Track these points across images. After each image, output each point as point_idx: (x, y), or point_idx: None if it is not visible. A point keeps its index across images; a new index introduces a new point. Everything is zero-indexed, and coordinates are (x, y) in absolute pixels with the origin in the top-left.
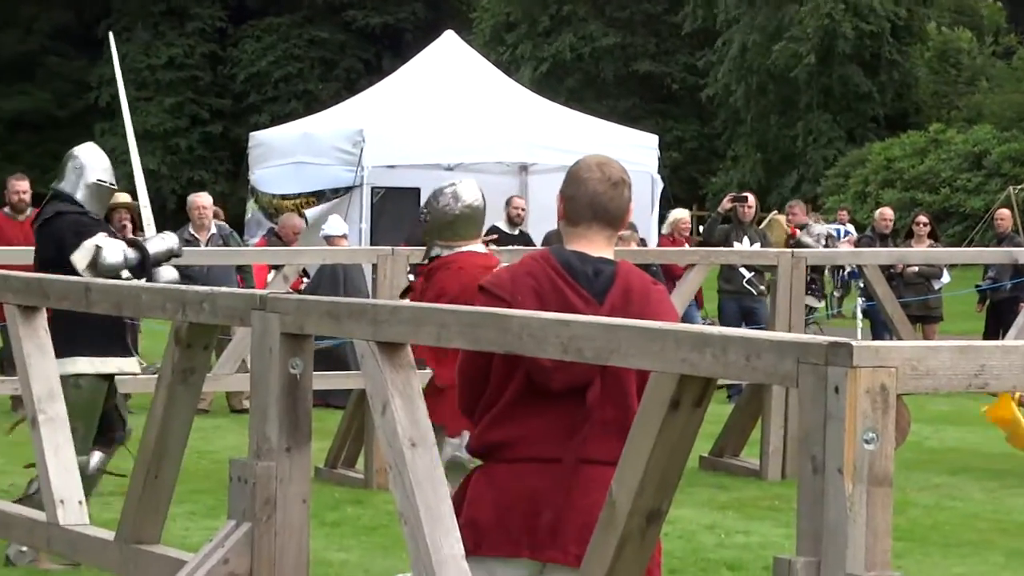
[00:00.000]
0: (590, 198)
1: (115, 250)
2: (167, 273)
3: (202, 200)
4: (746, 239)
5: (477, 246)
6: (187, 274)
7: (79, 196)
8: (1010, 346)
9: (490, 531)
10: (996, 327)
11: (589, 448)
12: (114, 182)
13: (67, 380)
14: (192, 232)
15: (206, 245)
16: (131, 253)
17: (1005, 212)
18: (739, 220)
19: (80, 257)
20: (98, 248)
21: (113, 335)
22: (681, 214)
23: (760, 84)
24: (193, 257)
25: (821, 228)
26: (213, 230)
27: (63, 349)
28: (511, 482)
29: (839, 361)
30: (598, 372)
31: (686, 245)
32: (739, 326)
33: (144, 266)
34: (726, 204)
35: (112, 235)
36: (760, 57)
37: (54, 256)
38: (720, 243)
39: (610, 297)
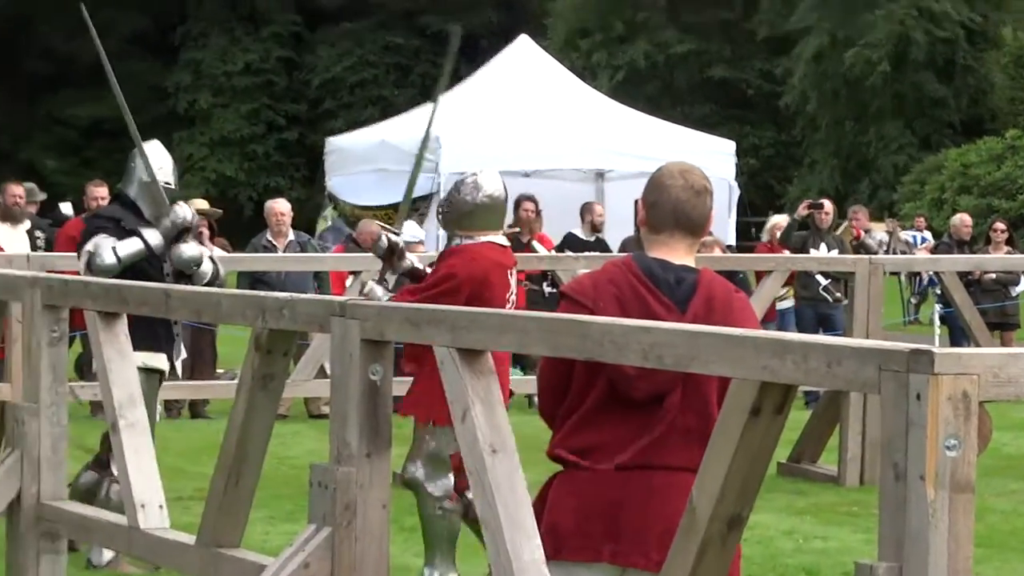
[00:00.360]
0: (673, 205)
1: (106, 251)
2: (188, 250)
3: (280, 207)
4: (823, 246)
5: (497, 237)
6: (264, 280)
7: (133, 195)
8: None
9: (571, 536)
10: None
11: (670, 455)
12: (170, 182)
13: None
14: (270, 239)
15: (284, 252)
16: (126, 248)
17: None
18: (816, 227)
19: (81, 264)
20: (90, 254)
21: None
22: (779, 219)
23: (834, 90)
24: (271, 263)
25: (881, 235)
26: (291, 236)
27: None
28: (592, 488)
29: (921, 368)
30: (680, 380)
31: (784, 251)
32: (815, 332)
33: (152, 252)
34: (802, 211)
35: (124, 234)
36: (834, 64)
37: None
38: (797, 249)
39: (693, 305)
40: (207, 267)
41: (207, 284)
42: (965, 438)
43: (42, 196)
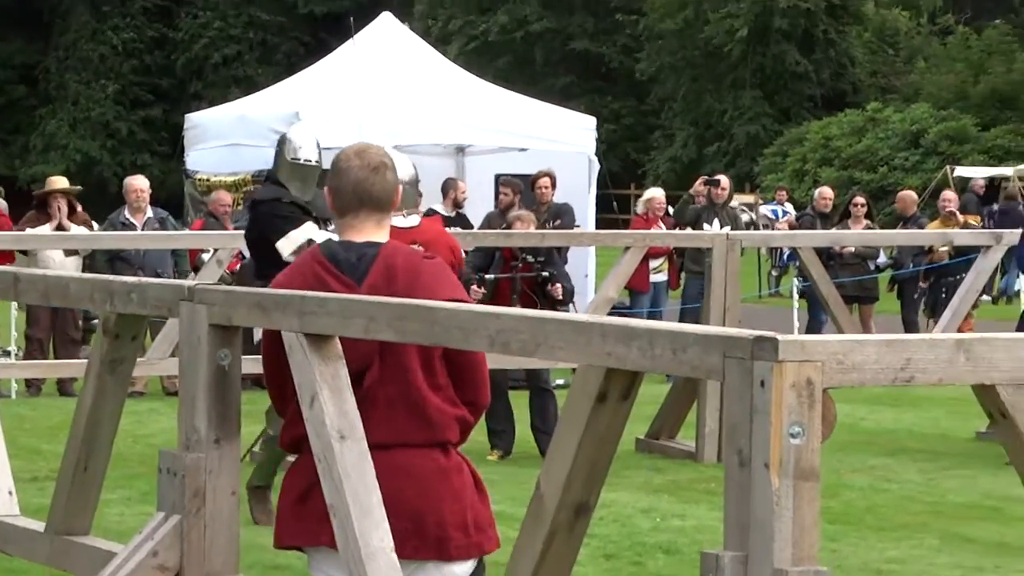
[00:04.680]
0: (353, 186)
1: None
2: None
3: (138, 183)
4: (716, 221)
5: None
6: (122, 257)
7: (281, 176)
8: (936, 339)
9: (290, 521)
10: (909, 305)
11: (377, 432)
12: (318, 159)
13: None
14: (128, 216)
15: (142, 228)
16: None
17: (903, 194)
18: (711, 202)
19: (285, 246)
20: (310, 241)
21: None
22: (655, 193)
23: (692, 60)
24: (130, 241)
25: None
26: (149, 213)
27: None
28: (309, 473)
29: (765, 355)
30: (377, 351)
31: (660, 224)
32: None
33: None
34: (698, 187)
35: (320, 223)
36: (694, 32)
37: (256, 239)
38: (691, 224)
39: (369, 278)
40: None
41: None
42: (809, 425)
43: None
